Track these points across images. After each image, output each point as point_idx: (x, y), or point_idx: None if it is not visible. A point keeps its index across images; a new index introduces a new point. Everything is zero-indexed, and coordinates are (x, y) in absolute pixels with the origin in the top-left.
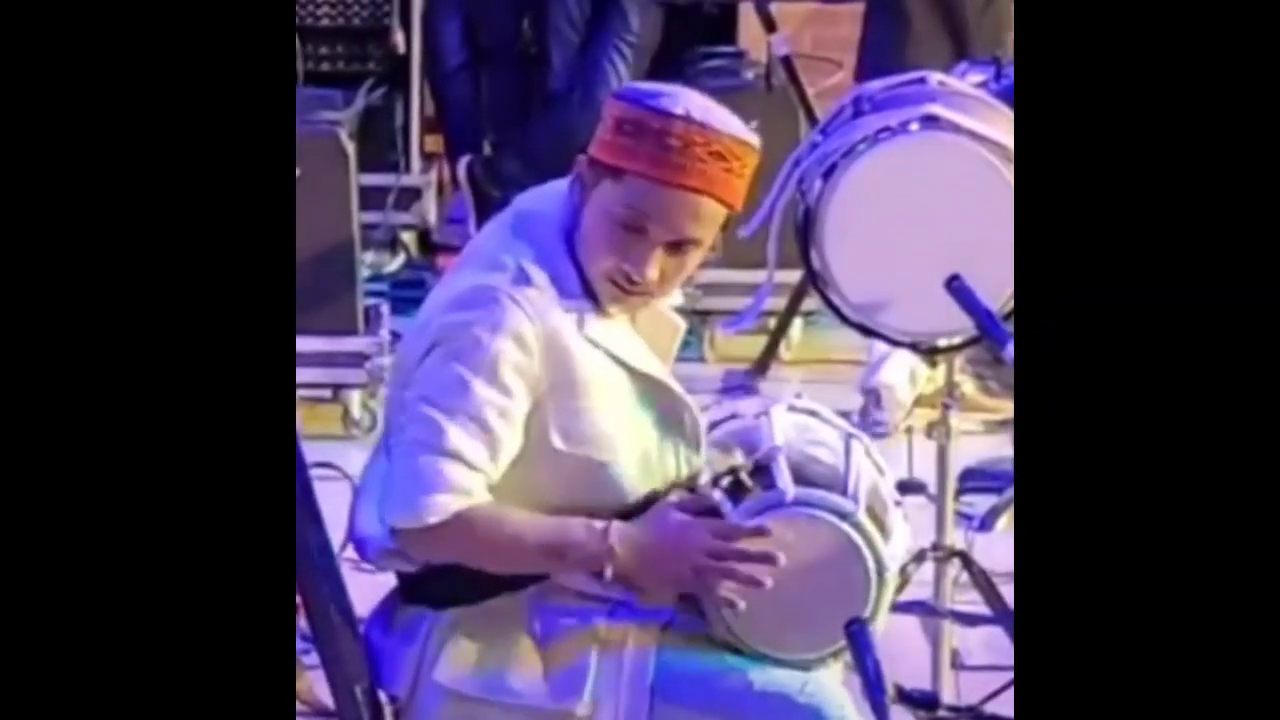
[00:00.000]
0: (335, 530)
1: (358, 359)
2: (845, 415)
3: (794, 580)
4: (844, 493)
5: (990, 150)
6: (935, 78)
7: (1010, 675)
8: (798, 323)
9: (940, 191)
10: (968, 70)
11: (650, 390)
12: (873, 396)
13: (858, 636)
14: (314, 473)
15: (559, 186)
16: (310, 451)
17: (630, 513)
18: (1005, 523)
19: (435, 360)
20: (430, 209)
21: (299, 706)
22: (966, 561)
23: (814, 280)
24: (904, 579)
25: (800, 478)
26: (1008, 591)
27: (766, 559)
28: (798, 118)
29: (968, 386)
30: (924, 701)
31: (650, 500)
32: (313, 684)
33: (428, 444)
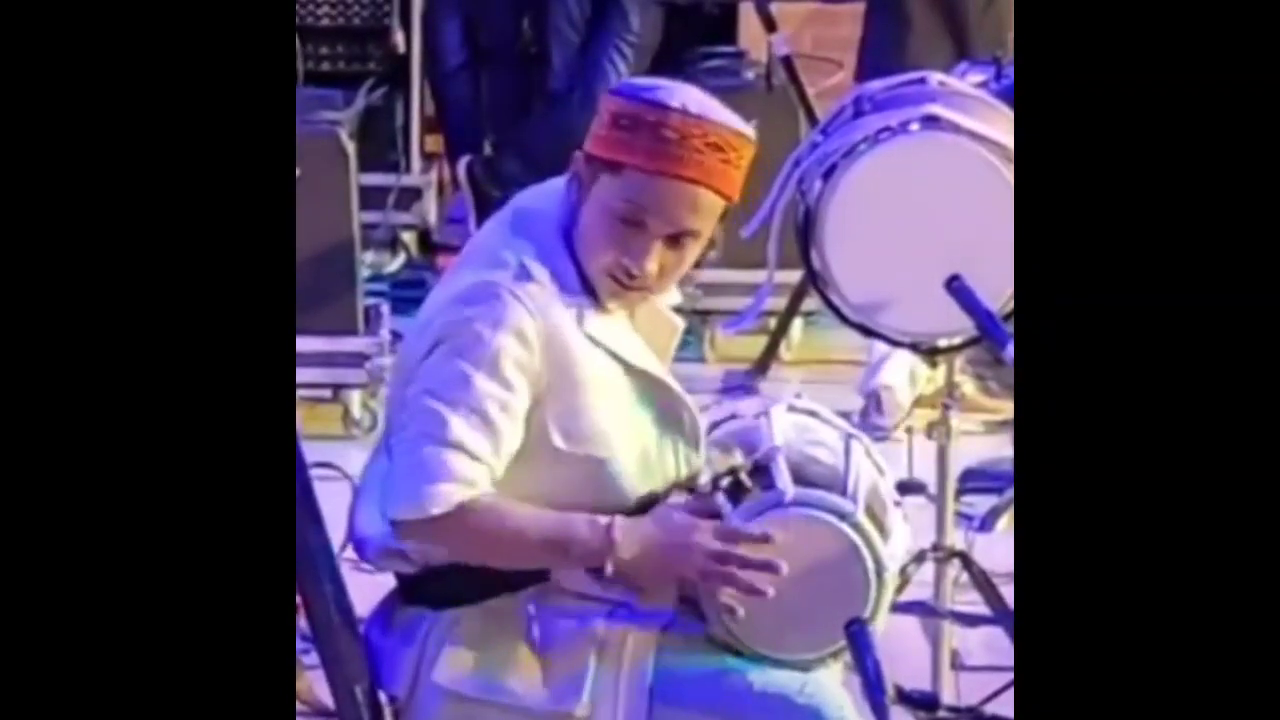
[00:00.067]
0: (335, 530)
1: (358, 359)
2: (845, 416)
3: (793, 581)
4: (843, 493)
5: (990, 150)
6: (935, 78)
7: (1010, 676)
8: (798, 323)
9: (940, 192)
10: (968, 70)
11: (649, 388)
12: (873, 400)
13: (857, 637)
14: (314, 473)
15: (557, 184)
16: (310, 451)
17: (630, 512)
18: (1005, 523)
19: (438, 356)
20: (430, 209)
21: (299, 706)
22: (966, 562)
23: (814, 280)
24: (904, 579)
25: (800, 478)
26: (1008, 592)
27: (768, 567)
28: (798, 118)
29: (968, 387)
30: (924, 702)
31: (650, 499)
32: (312, 684)
33: (430, 436)
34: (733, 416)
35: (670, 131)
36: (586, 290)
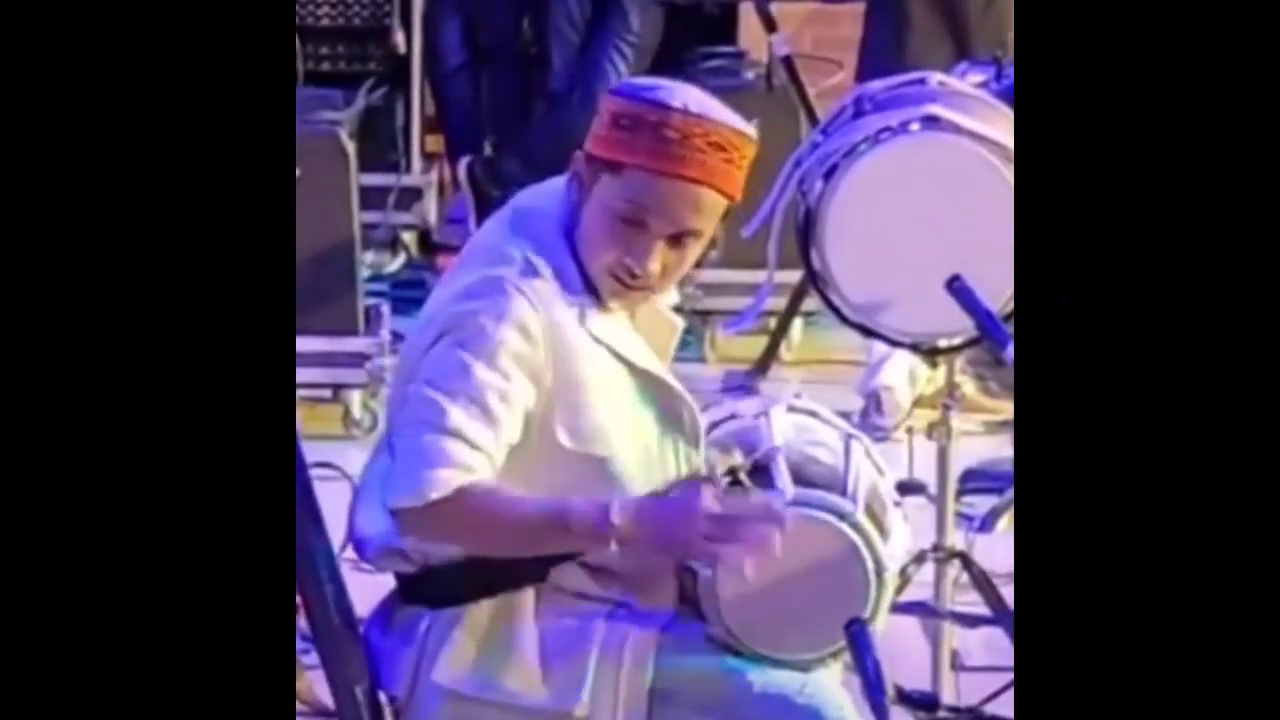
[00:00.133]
0: (335, 530)
1: (358, 359)
2: (845, 416)
3: (793, 581)
4: (843, 493)
5: (991, 151)
6: (936, 78)
7: (1010, 676)
8: (798, 323)
9: (941, 192)
10: (968, 70)
11: (650, 387)
12: (873, 400)
13: (857, 637)
14: (314, 473)
15: (556, 184)
16: (310, 451)
17: None
18: (1005, 524)
19: (441, 348)
20: (431, 209)
21: (299, 706)
22: (967, 562)
23: (814, 280)
24: (904, 580)
25: (799, 478)
26: (1008, 592)
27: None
28: (798, 118)
29: (968, 387)
30: (924, 702)
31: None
32: (312, 684)
33: (430, 424)
34: (732, 416)
35: (672, 131)
36: (588, 289)
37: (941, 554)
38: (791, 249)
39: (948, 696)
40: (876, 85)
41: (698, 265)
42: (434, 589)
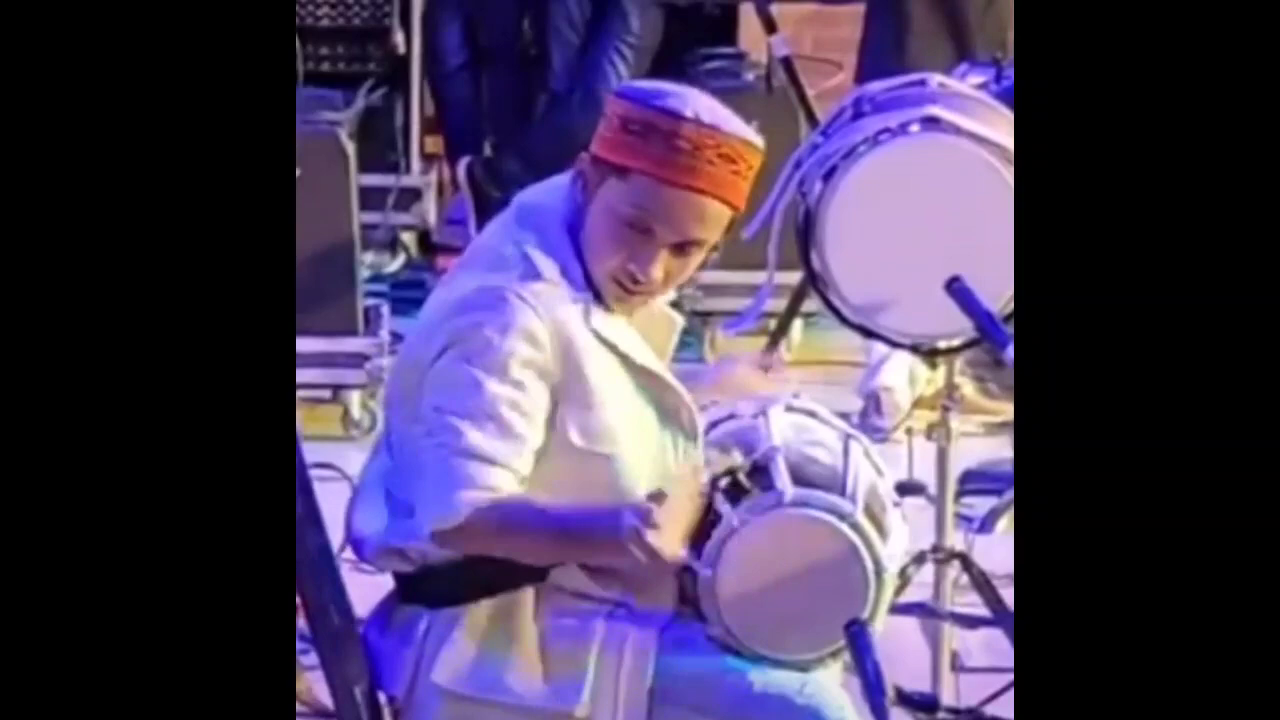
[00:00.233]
0: (334, 531)
1: (357, 359)
2: (845, 417)
3: (793, 581)
4: (842, 493)
5: (990, 152)
6: (935, 79)
7: (1010, 677)
8: (798, 324)
9: (940, 193)
10: (968, 72)
11: (649, 384)
12: (872, 401)
13: (857, 638)
14: (313, 473)
15: (560, 180)
16: (310, 452)
17: None
18: (1005, 525)
19: (448, 364)
20: (430, 209)
21: (298, 707)
22: (966, 563)
23: (814, 282)
24: (904, 580)
25: (798, 478)
26: (1007, 593)
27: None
28: (798, 119)
29: (968, 388)
30: (924, 703)
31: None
32: (312, 684)
33: (446, 446)
34: (731, 416)
35: (683, 141)
36: (591, 287)
37: (941, 555)
38: (791, 250)
39: (947, 697)
40: (876, 87)
41: (699, 267)
42: (433, 589)
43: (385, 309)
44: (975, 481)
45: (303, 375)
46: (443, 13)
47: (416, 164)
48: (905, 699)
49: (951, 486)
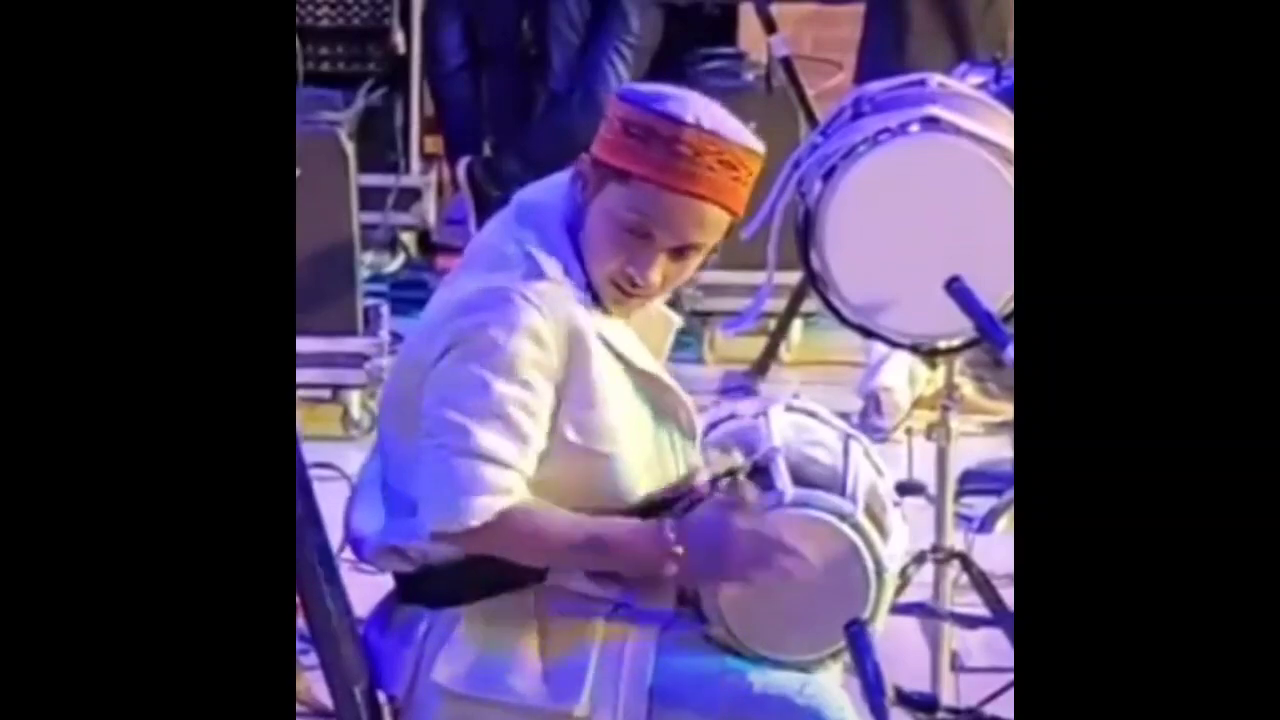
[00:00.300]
0: (334, 531)
1: (357, 359)
2: (845, 417)
3: (793, 581)
4: (842, 493)
5: (990, 152)
6: (935, 79)
7: (1010, 677)
8: (797, 324)
9: (940, 193)
10: (968, 72)
11: (647, 385)
12: (872, 401)
13: (857, 638)
14: (313, 473)
15: (560, 178)
16: (309, 452)
17: (631, 509)
18: (1005, 524)
19: (452, 364)
20: (430, 209)
21: (298, 707)
22: (966, 563)
23: (814, 282)
24: (904, 581)
25: (799, 478)
26: (1007, 593)
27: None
28: (797, 119)
29: (967, 388)
30: (923, 703)
31: (650, 497)
32: (311, 685)
33: (458, 448)
34: (731, 416)
35: (684, 147)
36: (590, 287)
37: (941, 555)
38: (791, 250)
39: (947, 697)
40: (876, 87)
41: (698, 268)
42: (433, 589)
43: (385, 309)
44: (975, 481)
45: (302, 375)
46: (443, 13)
47: (416, 164)
48: (905, 699)
49: (951, 486)
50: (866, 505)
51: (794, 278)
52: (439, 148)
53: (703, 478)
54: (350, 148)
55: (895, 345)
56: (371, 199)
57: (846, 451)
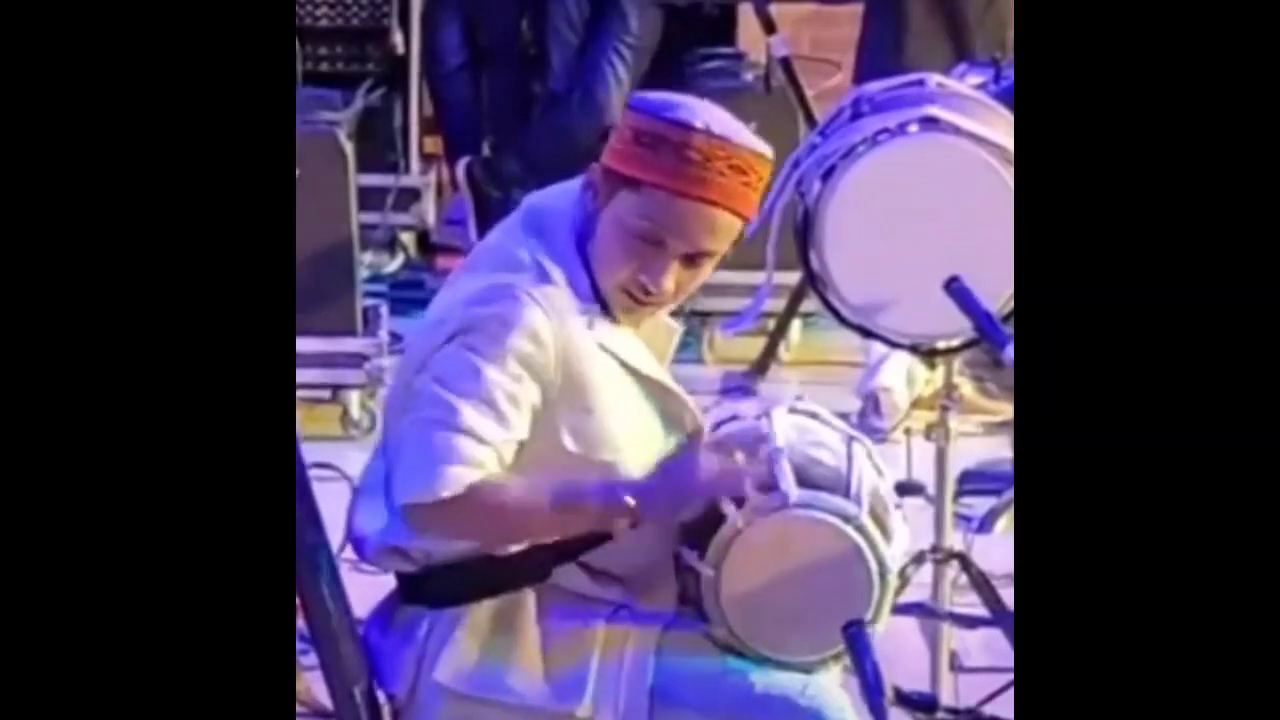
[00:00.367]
0: (334, 531)
1: (357, 360)
2: (844, 417)
3: (796, 582)
4: (846, 495)
5: (989, 152)
6: (934, 79)
7: (1009, 677)
8: (797, 324)
9: (939, 193)
10: (967, 72)
11: (654, 394)
12: (871, 401)
13: (856, 639)
14: (313, 473)
15: (570, 185)
16: (309, 452)
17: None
18: (1004, 525)
19: (451, 349)
20: (429, 210)
21: (298, 707)
22: (965, 563)
23: (813, 282)
24: (903, 581)
25: (803, 480)
26: (1006, 594)
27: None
28: (796, 119)
29: (966, 388)
30: (923, 703)
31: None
32: (311, 685)
33: (440, 422)
34: (734, 417)
35: (694, 153)
36: (596, 296)
37: (940, 555)
38: (790, 250)
39: (946, 698)
40: (875, 87)
41: None
42: (435, 589)
43: (384, 309)
44: (974, 481)
45: (302, 375)
46: (442, 13)
47: (415, 164)
48: (904, 699)
49: (950, 486)
50: (870, 507)
51: (793, 278)
52: (438, 148)
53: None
54: (349, 148)
55: (894, 345)
56: (371, 199)
57: (850, 453)
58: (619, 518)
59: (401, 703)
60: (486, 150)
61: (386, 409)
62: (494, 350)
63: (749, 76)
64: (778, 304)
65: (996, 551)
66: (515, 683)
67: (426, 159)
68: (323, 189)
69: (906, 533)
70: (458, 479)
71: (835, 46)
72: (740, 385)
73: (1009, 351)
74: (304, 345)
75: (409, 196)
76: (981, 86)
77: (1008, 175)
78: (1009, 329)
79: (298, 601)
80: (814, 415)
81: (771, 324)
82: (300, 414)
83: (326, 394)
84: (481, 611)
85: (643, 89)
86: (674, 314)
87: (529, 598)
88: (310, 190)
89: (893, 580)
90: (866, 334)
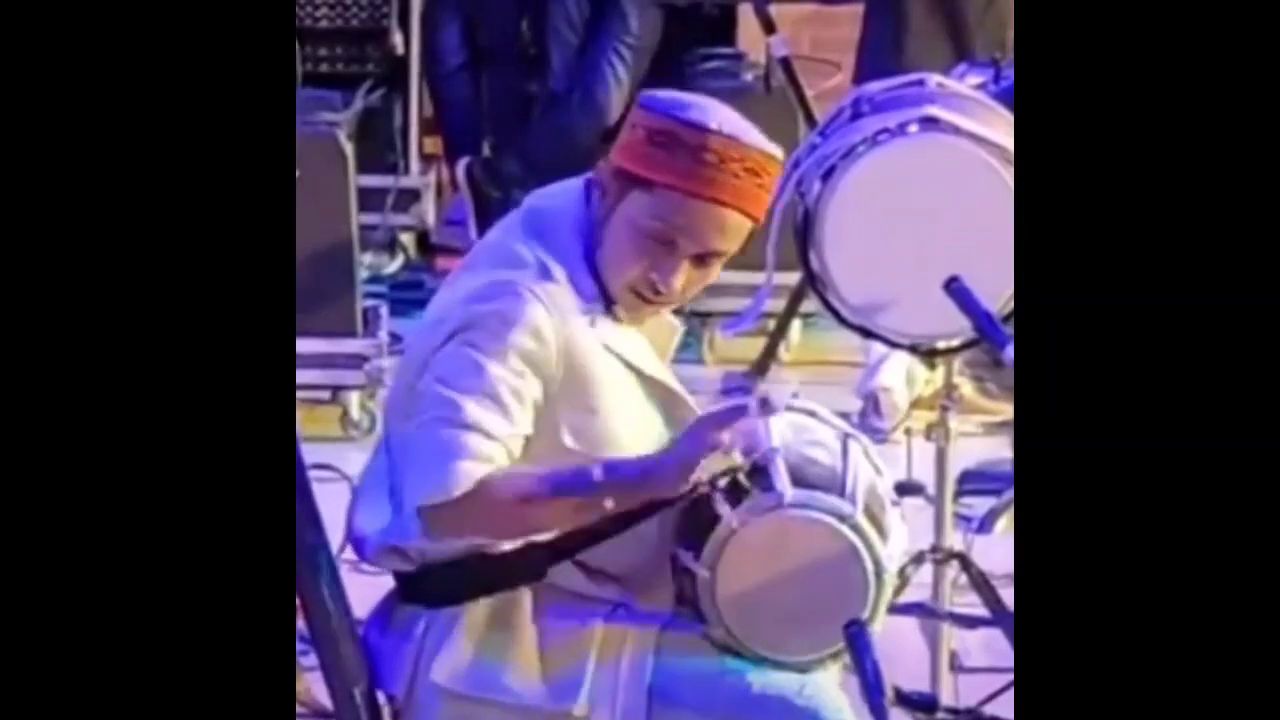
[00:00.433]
0: (334, 532)
1: (356, 360)
2: (844, 417)
3: (792, 582)
4: (842, 494)
5: (989, 152)
6: (934, 79)
7: (1009, 677)
8: (796, 324)
9: (939, 193)
10: (967, 72)
11: (656, 394)
12: (871, 401)
13: (856, 638)
14: (313, 474)
15: (569, 185)
16: (309, 453)
17: (636, 514)
18: (1004, 525)
19: (452, 347)
20: (429, 210)
21: (298, 708)
22: (965, 563)
23: (813, 282)
24: (903, 581)
25: (798, 479)
26: (1006, 594)
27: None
28: (796, 119)
29: (966, 389)
30: (923, 703)
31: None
32: (311, 685)
33: (446, 420)
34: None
35: (710, 154)
36: (600, 296)
37: (940, 555)
38: (790, 250)
39: (946, 698)
40: (875, 87)
41: None
42: (432, 588)
43: (384, 310)
44: (974, 481)
45: (302, 376)
46: (442, 13)
47: (415, 165)
48: (904, 699)
49: (950, 487)
50: (865, 506)
51: (793, 278)
52: (438, 148)
53: (702, 477)
54: (349, 148)
55: (894, 345)
56: (371, 200)
57: (845, 451)
58: (630, 492)
59: (400, 703)
60: (486, 150)
61: (387, 411)
62: (496, 346)
63: (749, 76)
64: (778, 304)
65: (996, 551)
66: (512, 682)
67: (426, 159)
68: (323, 190)
69: (904, 531)
70: (468, 475)
71: (835, 46)
72: (740, 385)
73: (1009, 351)
74: (304, 346)
75: (409, 197)
76: (981, 86)
77: (1008, 175)
78: (1009, 329)
79: (298, 602)
80: (811, 413)
81: (771, 324)
82: (300, 415)
83: (326, 395)
84: (478, 611)
85: (643, 89)
86: (675, 313)
87: (525, 597)
88: (310, 191)
89: (889, 579)
90: (866, 334)
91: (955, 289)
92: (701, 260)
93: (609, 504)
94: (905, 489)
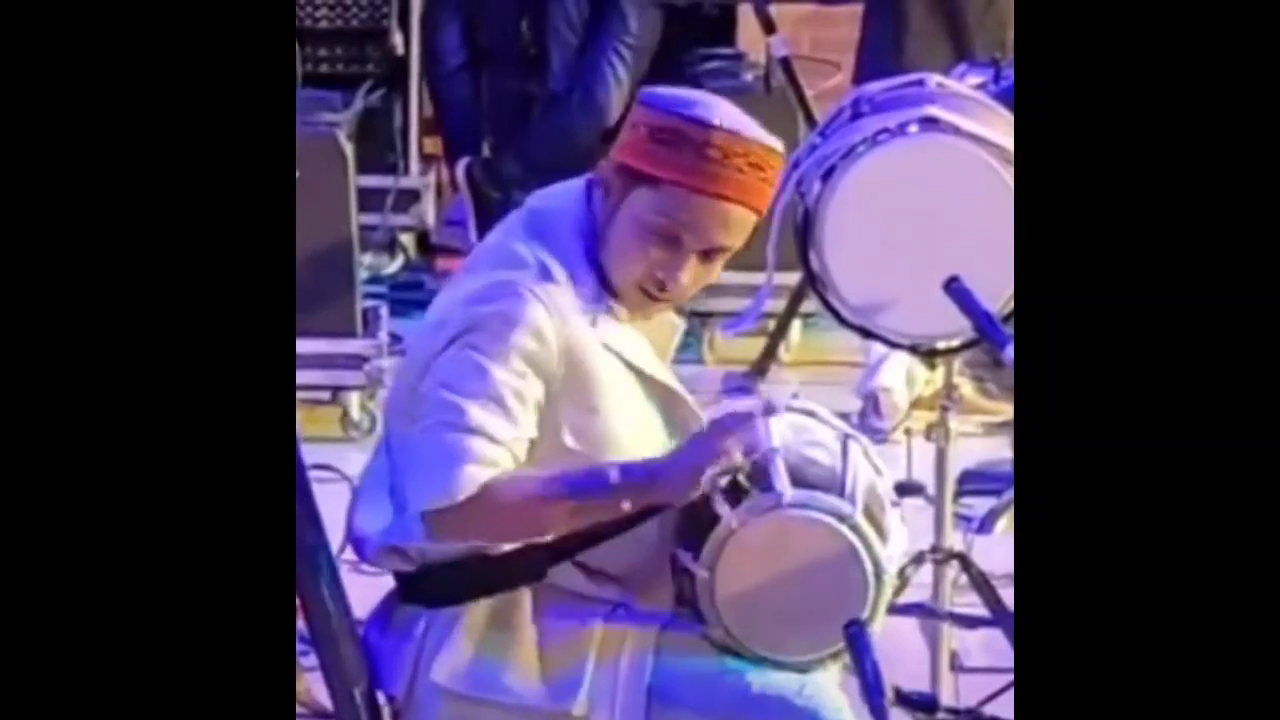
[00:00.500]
0: (334, 532)
1: (356, 361)
2: (844, 418)
3: (792, 582)
4: (841, 494)
5: (989, 152)
6: (934, 79)
7: (1009, 677)
8: (797, 324)
9: (939, 193)
10: (967, 72)
11: (658, 395)
12: (871, 401)
13: (856, 638)
14: (313, 475)
15: (570, 185)
16: (309, 453)
17: (636, 515)
18: (1004, 525)
19: (454, 350)
20: (429, 211)
21: (298, 708)
22: (965, 564)
23: (813, 282)
24: (903, 581)
25: (798, 479)
26: (1007, 594)
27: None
28: (796, 119)
29: (966, 389)
30: (923, 704)
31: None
32: (311, 685)
33: (450, 424)
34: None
35: (714, 150)
36: (601, 296)
37: (940, 555)
38: (790, 251)
39: (947, 698)
40: (874, 87)
41: None
42: (432, 588)
43: (384, 310)
44: (974, 482)
45: (302, 377)
46: (441, 13)
47: (415, 165)
48: (904, 699)
49: (950, 487)
50: (865, 506)
51: (793, 278)
52: (438, 149)
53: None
54: (349, 149)
55: (894, 345)
56: (370, 200)
57: (845, 452)
58: (637, 496)
59: (400, 703)
60: (486, 151)
61: (388, 412)
62: (498, 348)
63: (749, 76)
64: (778, 304)
65: (996, 551)
66: (512, 682)
67: (426, 160)
68: (323, 190)
69: (904, 532)
70: (472, 479)
71: (835, 46)
72: (740, 385)
73: (1009, 351)
74: (304, 346)
75: (409, 197)
76: (981, 86)
77: (1008, 175)
78: (1009, 329)
79: (298, 602)
80: (810, 413)
81: (771, 324)
82: (300, 415)
83: (326, 395)
84: (478, 611)
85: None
86: (675, 312)
87: (525, 597)
88: (310, 191)
89: (889, 579)
90: (866, 334)
91: (955, 289)
92: (707, 256)
93: (626, 506)
94: (905, 489)
